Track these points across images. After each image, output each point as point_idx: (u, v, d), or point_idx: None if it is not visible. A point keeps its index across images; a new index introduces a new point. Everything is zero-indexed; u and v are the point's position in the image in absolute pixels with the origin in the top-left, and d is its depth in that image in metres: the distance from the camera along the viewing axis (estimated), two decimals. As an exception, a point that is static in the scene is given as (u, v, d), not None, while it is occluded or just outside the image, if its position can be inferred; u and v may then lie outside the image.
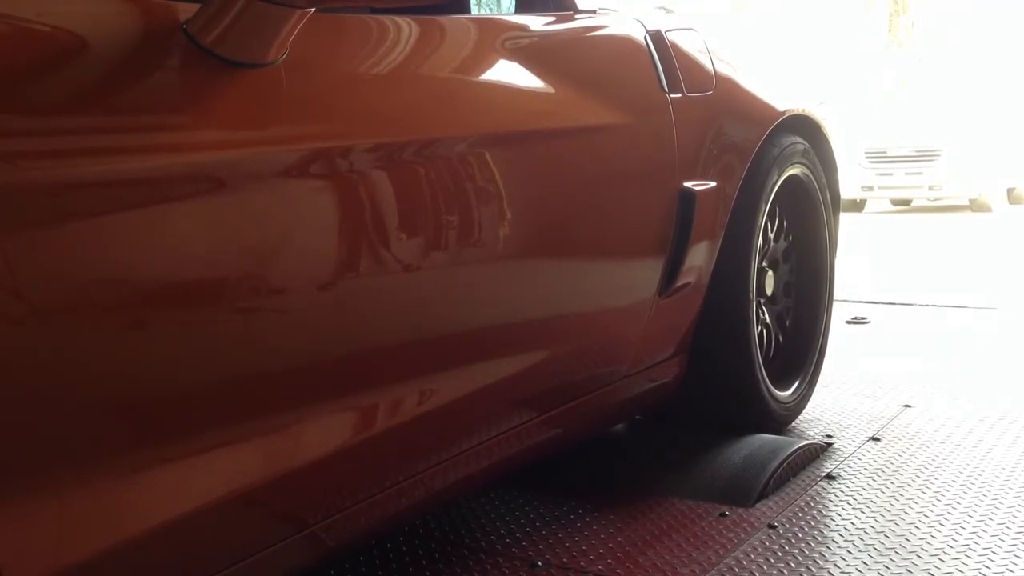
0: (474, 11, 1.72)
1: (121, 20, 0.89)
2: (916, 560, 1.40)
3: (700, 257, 1.69)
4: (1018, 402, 2.24)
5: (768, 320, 2.02)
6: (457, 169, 1.20)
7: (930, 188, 10.50)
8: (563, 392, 1.49)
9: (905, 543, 1.46)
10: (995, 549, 1.43)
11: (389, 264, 1.11)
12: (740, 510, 1.60)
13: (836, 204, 2.19)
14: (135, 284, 0.85)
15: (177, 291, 0.89)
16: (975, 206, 10.44)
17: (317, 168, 1.02)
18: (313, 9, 0.94)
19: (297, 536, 1.07)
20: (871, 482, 1.73)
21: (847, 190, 10.08)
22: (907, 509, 1.59)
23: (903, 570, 1.37)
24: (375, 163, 1.08)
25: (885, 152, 10.68)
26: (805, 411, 2.13)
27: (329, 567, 1.41)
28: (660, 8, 1.82)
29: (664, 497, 1.66)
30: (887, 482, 1.73)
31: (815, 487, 1.71)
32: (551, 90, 1.39)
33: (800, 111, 1.97)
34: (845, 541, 1.48)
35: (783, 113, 1.89)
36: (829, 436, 2.00)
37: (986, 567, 1.37)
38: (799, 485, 1.72)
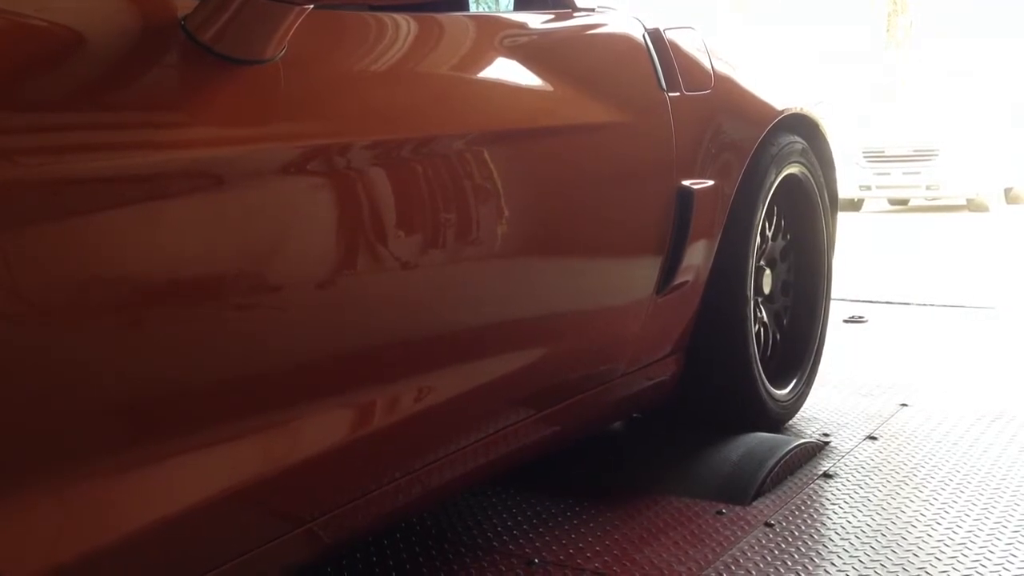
0: (472, 9, 1.72)
1: (119, 16, 0.89)
2: (912, 558, 1.40)
3: (698, 256, 1.69)
4: (1014, 401, 2.25)
5: (766, 319, 2.02)
6: (455, 167, 1.20)
7: (928, 188, 10.51)
8: (560, 390, 1.49)
9: (901, 541, 1.46)
10: (991, 547, 1.43)
11: (386, 261, 1.11)
12: (737, 508, 1.60)
13: (834, 203, 2.19)
14: (131, 281, 0.85)
15: (174, 288, 0.89)
16: (972, 206, 10.45)
17: (315, 165, 1.02)
18: (311, 6, 0.94)
19: (294, 533, 1.07)
20: (868, 480, 1.73)
21: (844, 189, 10.11)
22: (903, 507, 1.60)
23: (899, 568, 1.37)
24: (373, 160, 1.08)
25: (883, 152, 10.69)
26: (802, 410, 2.13)
27: (326, 564, 1.41)
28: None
29: (661, 495, 1.66)
30: (884, 480, 1.73)
31: (812, 485, 1.71)
32: (549, 88, 1.39)
33: (798, 110, 1.97)
34: (841, 539, 1.48)
35: (781, 112, 1.89)
36: (826, 435, 2.00)
37: (983, 565, 1.37)
38: (796, 483, 1.72)
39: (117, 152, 0.84)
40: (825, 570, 1.37)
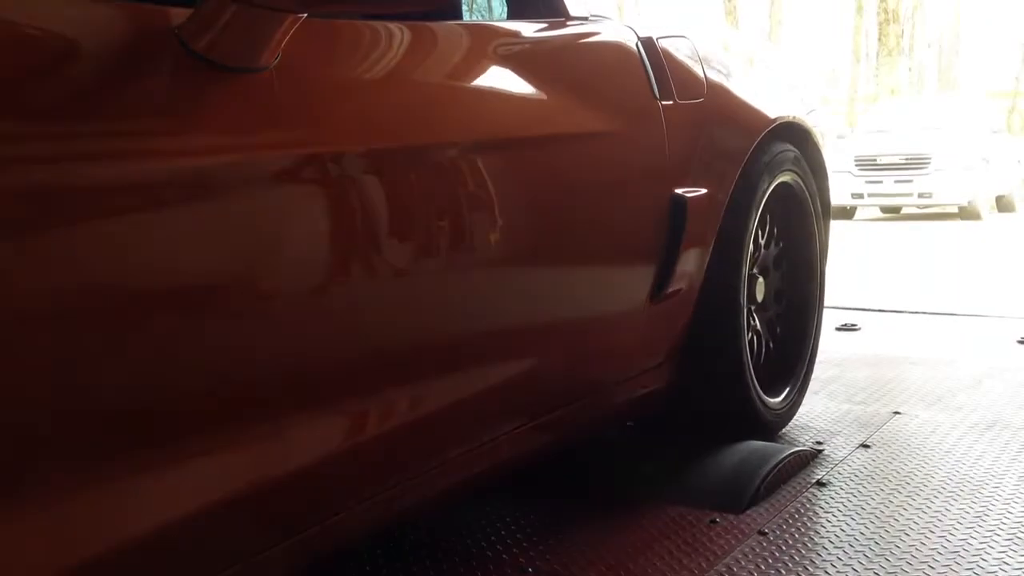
0: (466, 17, 1.72)
1: (112, 25, 0.89)
2: (906, 567, 1.40)
3: (691, 264, 1.69)
4: (1007, 410, 2.25)
5: (758, 327, 2.02)
6: (448, 175, 1.20)
7: (919, 196, 10.55)
8: (553, 398, 1.49)
9: (895, 549, 1.46)
10: (984, 555, 1.43)
11: (379, 269, 1.11)
12: (730, 517, 1.60)
13: (826, 211, 2.19)
14: (125, 289, 0.85)
15: (168, 296, 0.89)
16: (964, 214, 10.49)
17: (308, 174, 1.02)
18: (305, 15, 0.94)
19: (287, 542, 1.06)
20: (861, 489, 1.73)
21: (836, 197, 10.14)
22: (897, 515, 1.60)
23: (893, 577, 1.37)
24: (366, 169, 1.08)
25: (875, 160, 10.73)
26: (795, 418, 2.13)
27: (319, 574, 1.40)
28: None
29: (654, 504, 1.66)
30: (877, 489, 1.73)
31: (805, 493, 1.71)
32: (543, 96, 1.40)
33: (791, 118, 1.97)
34: (835, 547, 1.48)
35: (774, 120, 1.90)
36: (819, 443, 2.00)
37: (976, 573, 1.37)
38: (789, 492, 1.72)
39: (111, 160, 0.84)
40: (819, 579, 1.37)
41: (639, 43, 1.65)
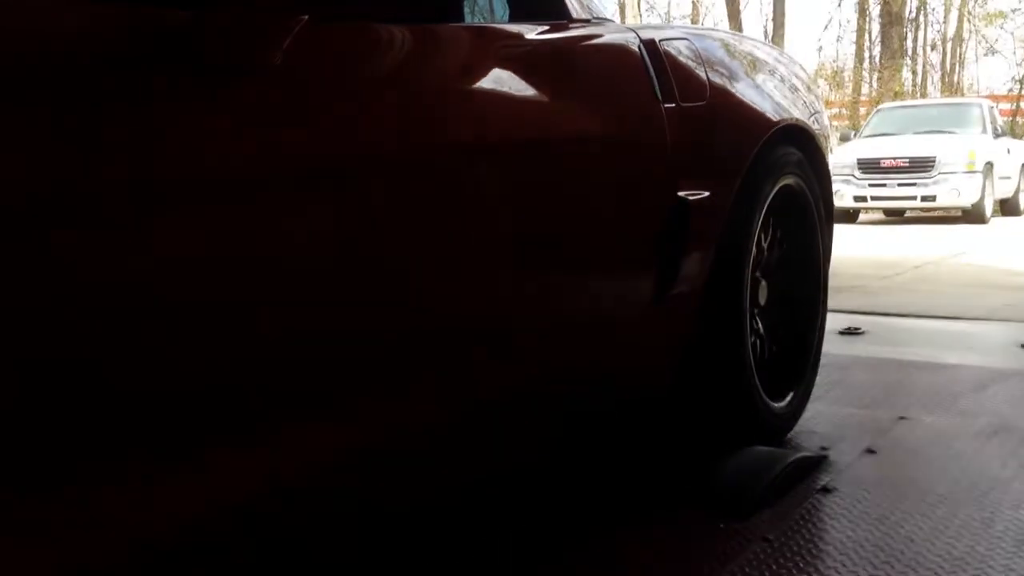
0: (468, 20, 1.71)
1: (113, 26, 0.88)
2: (911, 573, 1.39)
3: (694, 267, 1.68)
4: (1014, 415, 2.24)
5: (762, 330, 2.01)
6: (451, 178, 1.19)
7: (923, 199, 10.53)
8: (554, 402, 1.48)
9: (901, 556, 1.45)
10: (990, 561, 1.42)
11: (379, 271, 1.10)
12: (735, 522, 1.59)
13: (829, 214, 2.19)
14: (128, 293, 0.84)
15: (169, 300, 0.88)
16: (969, 217, 10.46)
17: (308, 176, 1.01)
18: (306, 17, 0.93)
19: (281, 545, 1.05)
20: (866, 495, 1.72)
21: (840, 201, 10.11)
22: (903, 522, 1.58)
23: (899, 584, 1.36)
24: (367, 171, 1.08)
25: (878, 163, 10.71)
26: (800, 422, 2.12)
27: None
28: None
29: (658, 509, 1.65)
30: (882, 495, 1.72)
31: (810, 499, 1.70)
32: (545, 99, 1.39)
33: (794, 121, 1.97)
34: (840, 554, 1.47)
35: (777, 123, 1.89)
36: (824, 448, 1.99)
37: (982, 581, 1.36)
38: (794, 497, 1.71)
39: (112, 164, 0.84)
40: (824, 586, 1.36)
41: (641, 45, 1.64)
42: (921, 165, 10.47)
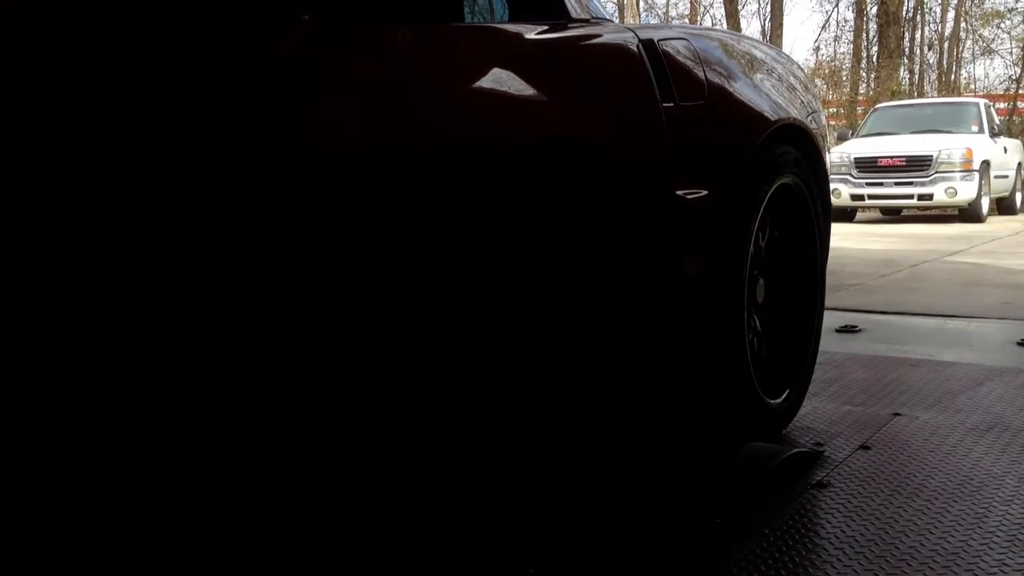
0: (467, 20, 1.72)
1: (115, 21, 0.89)
2: (905, 568, 1.40)
3: (692, 265, 1.69)
4: (1008, 411, 2.26)
5: (759, 328, 2.03)
6: (452, 177, 1.20)
7: (920, 198, 10.54)
8: (554, 401, 1.49)
9: (895, 550, 1.46)
10: (984, 557, 1.43)
11: (377, 272, 1.11)
12: (731, 517, 1.60)
13: (827, 213, 2.20)
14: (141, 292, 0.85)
15: (178, 294, 0.89)
16: (966, 216, 10.48)
17: (307, 175, 1.02)
18: (308, 16, 0.94)
19: (276, 538, 1.07)
20: (861, 490, 1.73)
21: (836, 200, 10.12)
22: (897, 517, 1.60)
23: (893, 578, 1.37)
24: (367, 169, 1.09)
25: (875, 162, 10.72)
26: (795, 419, 2.13)
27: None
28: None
29: (655, 504, 1.66)
30: (877, 490, 1.73)
31: (806, 495, 1.72)
32: (544, 98, 1.40)
33: (791, 120, 1.98)
34: (835, 548, 1.48)
35: (775, 122, 1.90)
36: (819, 444, 2.00)
37: (975, 574, 1.37)
38: (790, 493, 1.72)
39: (120, 164, 0.85)
40: (819, 579, 1.37)
41: (640, 45, 1.65)
42: (918, 164, 10.48)
